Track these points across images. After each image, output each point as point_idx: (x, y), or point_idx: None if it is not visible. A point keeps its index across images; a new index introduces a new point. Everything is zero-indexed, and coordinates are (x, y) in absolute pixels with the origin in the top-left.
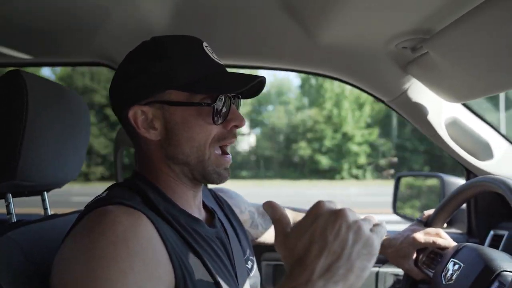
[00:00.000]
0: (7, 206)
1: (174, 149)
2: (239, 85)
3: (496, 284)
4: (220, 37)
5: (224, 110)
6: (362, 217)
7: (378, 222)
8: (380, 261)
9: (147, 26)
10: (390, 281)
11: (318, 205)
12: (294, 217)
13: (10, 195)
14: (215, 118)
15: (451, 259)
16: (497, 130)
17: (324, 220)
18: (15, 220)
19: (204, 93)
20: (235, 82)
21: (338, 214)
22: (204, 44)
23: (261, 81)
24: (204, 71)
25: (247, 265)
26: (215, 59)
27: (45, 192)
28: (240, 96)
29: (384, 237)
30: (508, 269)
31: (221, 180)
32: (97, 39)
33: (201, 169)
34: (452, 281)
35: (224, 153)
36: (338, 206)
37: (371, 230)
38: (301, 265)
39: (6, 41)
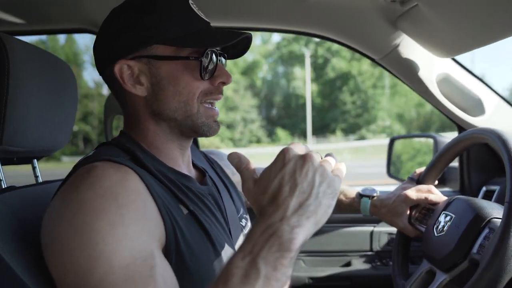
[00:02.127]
0: None
1: (161, 105)
2: (226, 39)
3: (486, 230)
4: None
5: (211, 66)
6: (324, 157)
7: (338, 162)
8: (374, 221)
9: None
10: (384, 239)
11: (286, 150)
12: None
13: None
14: (202, 73)
15: (443, 212)
16: (488, 85)
17: (292, 163)
18: (5, 186)
19: (192, 47)
20: (222, 37)
21: (305, 158)
22: (190, 1)
23: (247, 39)
24: (191, 26)
25: (241, 223)
26: (201, 16)
27: (35, 160)
28: (225, 55)
29: (376, 197)
30: (497, 216)
31: (211, 132)
32: (82, 5)
33: (190, 122)
34: (443, 232)
35: (212, 105)
36: (303, 149)
37: (333, 171)
38: (274, 205)
39: None
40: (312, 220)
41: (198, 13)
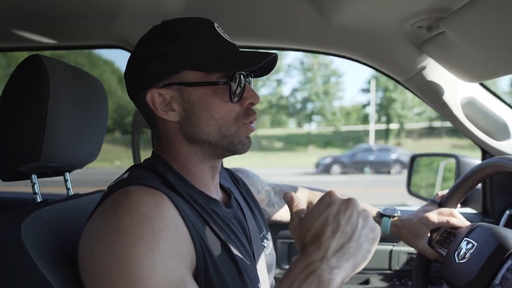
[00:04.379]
0: (33, 187)
1: (194, 129)
2: (253, 62)
3: (509, 262)
4: (234, 18)
5: (239, 88)
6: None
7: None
8: (394, 239)
9: (162, 8)
10: (403, 259)
11: (331, 193)
12: (309, 196)
13: (35, 176)
14: (232, 97)
15: (465, 238)
16: None
17: (337, 206)
18: (40, 200)
19: (220, 72)
20: (249, 60)
21: (349, 202)
22: (216, 25)
23: (274, 58)
24: (218, 50)
25: (263, 243)
26: (227, 39)
27: (67, 173)
28: (252, 75)
29: (396, 217)
30: None
31: (245, 149)
32: (114, 22)
33: (225, 142)
34: (465, 260)
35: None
36: (347, 196)
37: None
38: (315, 244)
39: (25, 25)
40: (351, 263)
41: (224, 36)
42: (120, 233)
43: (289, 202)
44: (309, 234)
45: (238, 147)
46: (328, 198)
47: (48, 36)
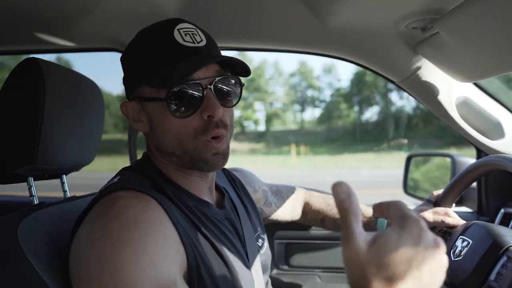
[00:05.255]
0: (29, 189)
1: (158, 141)
2: (187, 72)
3: (504, 258)
4: (228, 19)
5: (184, 101)
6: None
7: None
8: None
9: (157, 10)
10: None
11: (423, 227)
12: (306, 197)
13: (32, 178)
14: (173, 112)
15: (460, 236)
16: (509, 109)
17: (425, 249)
18: (37, 202)
19: (159, 88)
20: (186, 71)
21: (438, 248)
22: (178, 27)
23: (237, 61)
24: (164, 62)
25: (257, 243)
26: (184, 43)
27: (64, 176)
28: (238, 78)
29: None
30: None
31: (209, 167)
32: (109, 25)
33: (188, 158)
34: (461, 257)
35: (215, 138)
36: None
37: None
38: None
39: (19, 29)
40: None
41: (181, 40)
42: (108, 238)
43: (342, 203)
44: (379, 270)
45: (201, 165)
46: (418, 231)
47: (43, 39)
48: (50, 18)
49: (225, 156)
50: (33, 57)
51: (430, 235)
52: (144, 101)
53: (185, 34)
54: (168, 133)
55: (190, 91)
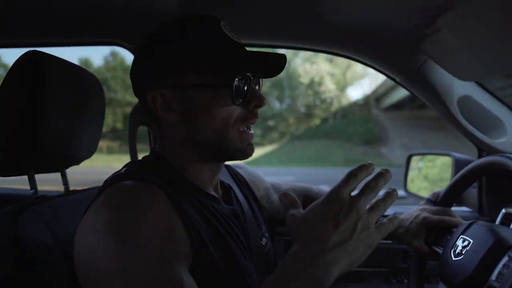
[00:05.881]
0: (30, 182)
1: (193, 131)
2: (257, 63)
3: (506, 258)
4: (233, 16)
5: (243, 90)
6: (376, 203)
7: (391, 216)
8: (390, 237)
9: (160, 5)
10: (400, 256)
11: (337, 191)
12: (306, 194)
13: (33, 171)
14: (234, 99)
15: (461, 236)
16: (510, 107)
17: (339, 205)
18: (38, 195)
19: (221, 74)
20: (253, 60)
21: (352, 205)
22: (222, 23)
23: (282, 59)
24: (221, 51)
25: (261, 241)
26: (234, 38)
27: (65, 169)
28: (261, 76)
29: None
30: None
31: (244, 156)
32: (111, 18)
33: (224, 148)
34: (461, 257)
35: (248, 128)
36: (355, 196)
37: (377, 224)
38: (314, 237)
39: (23, 21)
40: (348, 260)
41: (230, 35)
42: (115, 226)
43: (285, 200)
44: (307, 227)
45: (236, 155)
46: (333, 195)
47: (46, 33)
48: (52, 11)
49: (253, 148)
50: (34, 50)
51: (342, 196)
52: (188, 88)
53: (229, 31)
54: (210, 122)
55: (247, 81)
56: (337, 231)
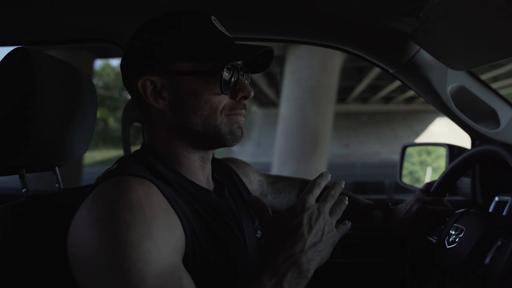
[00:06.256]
0: (22, 181)
1: (182, 119)
2: (245, 53)
3: (498, 243)
4: (223, 10)
5: (232, 80)
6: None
7: (345, 221)
8: (386, 229)
9: (152, 1)
10: (395, 248)
11: (305, 199)
12: (302, 187)
13: (24, 170)
14: (223, 88)
15: (454, 224)
16: (503, 97)
17: (310, 212)
18: (30, 194)
19: (212, 62)
20: (241, 51)
21: (320, 211)
22: (213, 17)
23: (270, 53)
24: (212, 41)
25: (256, 235)
26: (223, 31)
27: (57, 168)
28: (248, 70)
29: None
30: (509, 230)
31: (235, 139)
32: (103, 15)
33: (212, 133)
34: (455, 244)
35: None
36: (320, 203)
37: (337, 225)
38: (294, 238)
39: (12, 19)
40: (320, 257)
41: (220, 28)
42: (111, 220)
43: (254, 204)
44: (286, 230)
45: (227, 137)
46: (301, 205)
47: (36, 30)
48: (42, 8)
49: (243, 132)
50: (22, 47)
51: (310, 204)
52: (178, 75)
53: (219, 25)
54: (199, 109)
55: (236, 71)
56: (311, 233)
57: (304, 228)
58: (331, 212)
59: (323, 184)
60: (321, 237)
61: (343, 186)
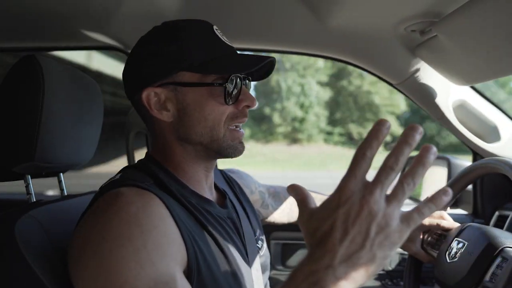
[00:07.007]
0: (27, 187)
1: (187, 130)
2: (249, 65)
3: (499, 259)
4: (230, 21)
5: (235, 90)
6: (395, 201)
7: (420, 206)
8: None
9: (159, 10)
10: (396, 259)
11: (343, 188)
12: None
13: (29, 176)
14: (227, 99)
15: (455, 238)
16: (505, 112)
17: (347, 208)
18: (34, 200)
19: (216, 74)
20: (245, 62)
21: (363, 203)
22: (215, 27)
23: (271, 62)
24: (215, 52)
25: (257, 245)
26: (226, 41)
27: (61, 174)
28: (250, 78)
29: None
30: (510, 245)
31: (236, 153)
32: (110, 23)
33: (216, 146)
34: (456, 259)
35: (237, 127)
36: (367, 188)
37: (402, 218)
38: (322, 250)
39: (21, 26)
40: (362, 273)
41: (222, 39)
42: (108, 234)
43: (296, 194)
44: (316, 236)
45: (228, 151)
46: (339, 194)
47: (45, 37)
48: (52, 15)
49: (244, 145)
50: (32, 54)
51: (348, 197)
52: (183, 86)
53: (221, 35)
54: (203, 120)
55: (239, 82)
56: (345, 242)
57: (336, 234)
58: (389, 198)
59: (376, 149)
60: (363, 243)
61: (422, 132)
